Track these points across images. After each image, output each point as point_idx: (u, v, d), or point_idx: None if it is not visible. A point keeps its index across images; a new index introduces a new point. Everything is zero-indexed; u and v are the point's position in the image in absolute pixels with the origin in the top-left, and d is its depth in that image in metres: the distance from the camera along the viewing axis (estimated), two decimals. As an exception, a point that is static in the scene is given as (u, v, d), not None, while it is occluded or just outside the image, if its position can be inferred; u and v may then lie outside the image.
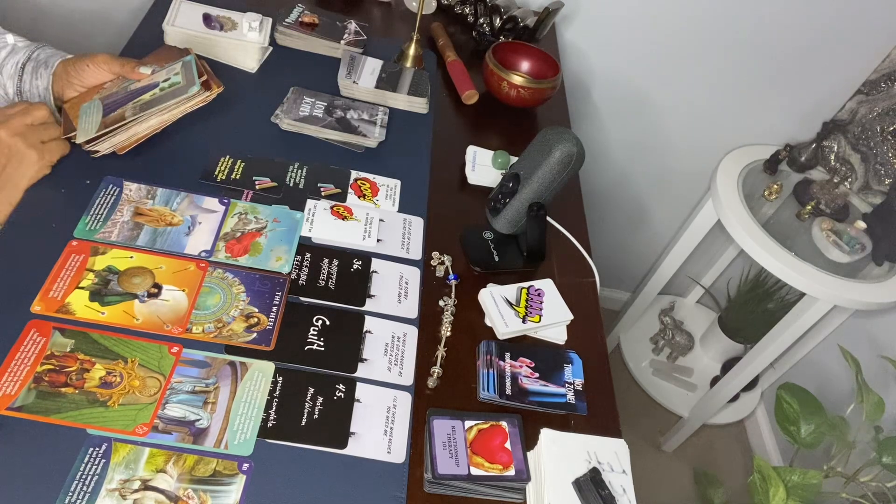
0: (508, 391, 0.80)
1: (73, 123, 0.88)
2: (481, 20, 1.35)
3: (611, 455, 0.76)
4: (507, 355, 0.84)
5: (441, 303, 0.88)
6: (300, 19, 1.20)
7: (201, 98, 0.91)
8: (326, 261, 0.88)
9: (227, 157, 0.96)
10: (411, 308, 0.86)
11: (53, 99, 0.92)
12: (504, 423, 0.76)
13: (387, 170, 1.02)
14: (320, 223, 0.91)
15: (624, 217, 1.98)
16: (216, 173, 0.93)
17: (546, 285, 0.93)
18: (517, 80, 1.17)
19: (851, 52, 1.52)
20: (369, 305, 0.85)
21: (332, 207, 0.94)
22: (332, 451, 0.71)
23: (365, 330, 0.82)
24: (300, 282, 0.84)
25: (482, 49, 1.31)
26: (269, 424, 0.71)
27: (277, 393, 0.74)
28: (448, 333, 0.85)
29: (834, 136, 1.59)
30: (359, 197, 0.97)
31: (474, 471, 0.71)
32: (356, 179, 0.99)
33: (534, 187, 0.90)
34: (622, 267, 2.12)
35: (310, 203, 0.93)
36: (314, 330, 0.80)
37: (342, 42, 1.19)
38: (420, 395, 0.78)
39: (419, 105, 1.14)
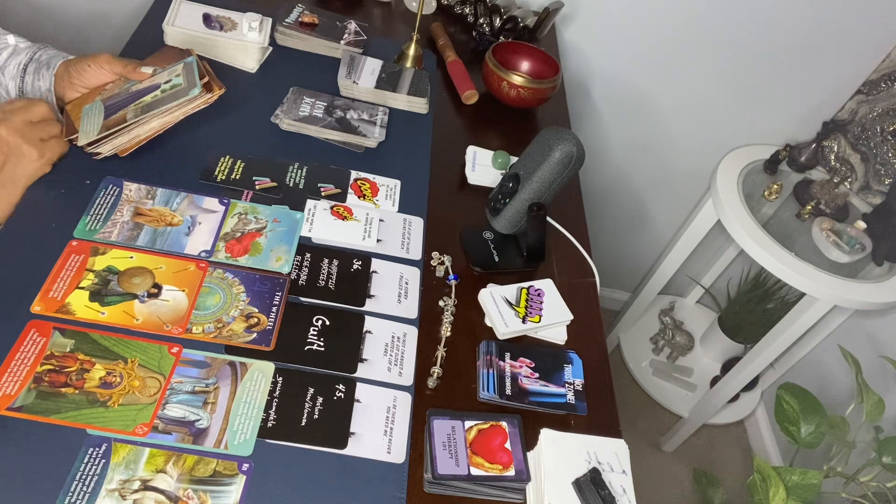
0: (508, 391, 0.80)
1: (75, 125, 0.88)
2: (481, 20, 1.35)
3: (611, 455, 0.76)
4: (507, 355, 0.84)
5: (441, 303, 0.88)
6: (300, 19, 1.20)
7: (203, 100, 0.91)
8: (326, 261, 0.88)
9: (227, 157, 0.96)
10: (411, 308, 0.86)
11: (56, 100, 0.92)
12: (504, 423, 0.76)
13: (387, 170, 1.02)
14: (320, 223, 0.91)
15: (624, 217, 1.98)
16: (216, 173, 0.93)
17: (546, 285, 0.93)
18: (517, 80, 1.17)
19: (851, 52, 1.52)
20: (369, 305, 0.85)
21: (332, 207, 0.94)
22: (332, 451, 0.71)
23: (365, 330, 0.82)
24: (300, 282, 0.84)
25: (482, 49, 1.31)
26: (269, 424, 0.71)
27: (277, 393, 0.74)
28: (448, 333, 0.85)
29: (834, 136, 1.59)
30: (359, 197, 0.97)
31: (474, 471, 0.71)
32: (356, 179, 0.99)
33: (534, 187, 0.90)
34: (622, 267, 2.12)
35: (310, 203, 0.93)
36: (314, 330, 0.80)
37: (342, 42, 1.19)
38: (420, 395, 0.78)
39: (419, 105, 1.14)
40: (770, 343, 1.53)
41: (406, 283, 0.89)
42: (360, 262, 0.89)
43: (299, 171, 0.97)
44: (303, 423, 0.72)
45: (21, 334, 0.71)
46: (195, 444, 0.68)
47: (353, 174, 1.00)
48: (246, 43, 1.10)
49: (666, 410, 1.97)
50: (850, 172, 1.58)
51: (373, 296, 0.86)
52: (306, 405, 0.73)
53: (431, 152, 1.09)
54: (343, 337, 0.81)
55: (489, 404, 0.80)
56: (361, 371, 0.78)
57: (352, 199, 0.96)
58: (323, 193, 0.96)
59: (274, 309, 0.80)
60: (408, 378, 0.79)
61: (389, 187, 1.00)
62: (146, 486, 0.64)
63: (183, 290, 0.79)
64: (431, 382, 0.79)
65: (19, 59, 0.92)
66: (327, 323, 0.81)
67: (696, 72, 1.60)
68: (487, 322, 0.88)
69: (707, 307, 2.22)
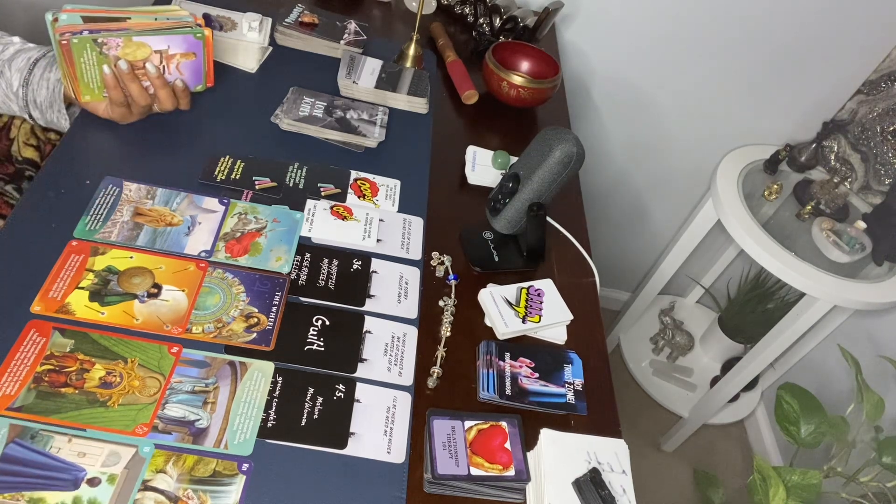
0: (508, 391, 0.80)
1: (77, 84, 0.87)
2: (481, 20, 1.35)
3: (611, 455, 0.76)
4: (507, 355, 0.84)
5: (441, 303, 0.88)
6: (300, 19, 1.20)
7: (189, 23, 0.90)
8: (326, 261, 0.88)
9: (227, 157, 0.96)
10: (411, 308, 0.86)
11: (64, 97, 0.93)
12: (504, 424, 0.76)
13: (387, 170, 1.02)
14: (320, 223, 0.91)
15: (624, 217, 1.98)
16: (216, 173, 0.93)
17: (546, 285, 0.93)
18: (517, 80, 1.17)
19: (851, 52, 1.52)
20: (369, 305, 0.85)
21: (331, 207, 0.94)
22: (332, 451, 0.71)
23: (365, 330, 0.82)
24: (300, 282, 0.84)
25: (482, 49, 1.31)
26: (269, 424, 0.71)
27: (277, 393, 0.74)
28: (448, 333, 0.85)
29: (834, 136, 1.59)
30: (359, 197, 0.97)
31: (474, 471, 0.71)
32: (356, 179, 0.99)
33: (534, 187, 0.90)
34: (622, 267, 2.12)
35: (310, 203, 0.93)
36: (314, 330, 0.80)
37: (342, 42, 1.19)
38: (420, 395, 0.78)
39: (419, 105, 1.14)
40: (770, 343, 1.53)
41: (406, 283, 0.89)
42: (359, 262, 0.89)
43: (299, 171, 0.97)
44: (303, 423, 0.72)
45: (21, 334, 0.71)
46: (195, 444, 0.68)
47: (353, 174, 1.00)
48: (246, 43, 1.10)
49: (666, 410, 1.97)
50: (850, 172, 1.58)
51: (373, 296, 0.86)
52: (306, 405, 0.73)
53: (431, 152, 1.09)
54: (343, 337, 0.80)
55: (489, 404, 0.79)
56: (361, 371, 0.78)
57: (352, 199, 0.96)
58: (323, 193, 0.96)
59: (274, 309, 0.80)
60: (408, 378, 0.79)
61: (389, 187, 1.00)
62: (146, 486, 0.64)
63: (183, 290, 0.79)
64: (431, 382, 0.79)
65: (30, 53, 0.93)
66: (327, 323, 0.81)
67: (696, 71, 1.60)
68: (487, 322, 0.88)
69: (707, 307, 2.22)
